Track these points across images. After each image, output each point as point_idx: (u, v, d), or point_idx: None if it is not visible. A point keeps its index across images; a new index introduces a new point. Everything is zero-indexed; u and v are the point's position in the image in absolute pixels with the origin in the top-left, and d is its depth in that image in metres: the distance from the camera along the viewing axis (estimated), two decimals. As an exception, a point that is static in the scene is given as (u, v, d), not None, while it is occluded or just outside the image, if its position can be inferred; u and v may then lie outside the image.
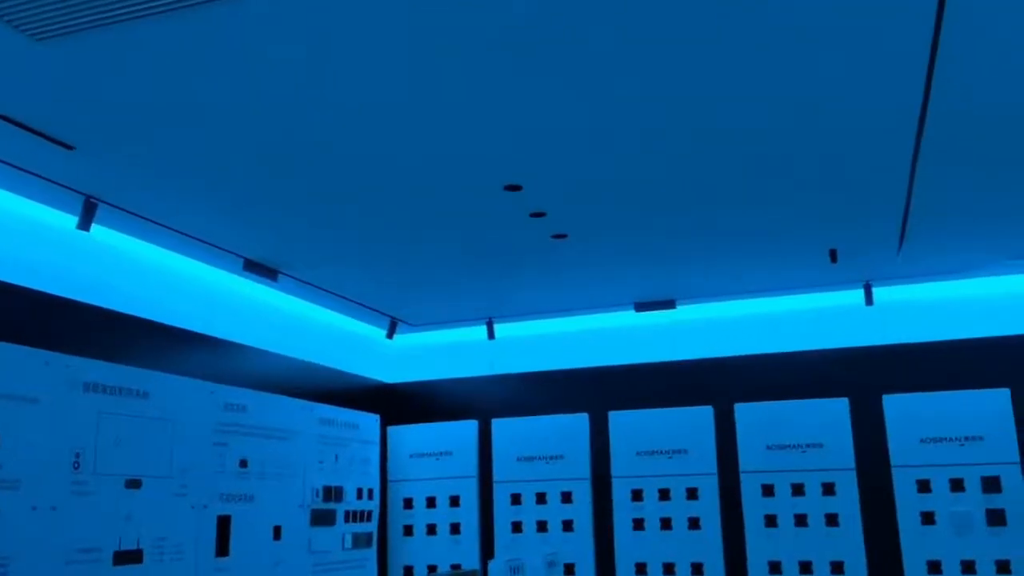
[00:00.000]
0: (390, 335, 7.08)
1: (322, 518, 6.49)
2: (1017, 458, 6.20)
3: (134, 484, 4.76)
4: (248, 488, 5.68)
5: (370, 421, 7.40)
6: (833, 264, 5.66)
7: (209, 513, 5.32)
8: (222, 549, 5.39)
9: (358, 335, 7.62)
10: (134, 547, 4.73)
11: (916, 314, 6.69)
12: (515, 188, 4.54)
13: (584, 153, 4.17)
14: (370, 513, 7.20)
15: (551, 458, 7.32)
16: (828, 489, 6.57)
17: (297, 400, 6.35)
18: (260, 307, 6.49)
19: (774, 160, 4.29)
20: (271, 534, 5.90)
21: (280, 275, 5.81)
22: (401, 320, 7.24)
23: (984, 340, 6.50)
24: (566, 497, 7.20)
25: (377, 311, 6.99)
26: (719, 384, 7.09)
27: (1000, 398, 6.32)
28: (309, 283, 6.12)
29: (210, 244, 5.28)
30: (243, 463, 5.63)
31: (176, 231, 5.04)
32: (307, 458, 6.37)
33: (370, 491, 7.25)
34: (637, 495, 7.01)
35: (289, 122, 3.77)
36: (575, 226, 5.20)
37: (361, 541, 7.06)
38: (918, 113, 3.78)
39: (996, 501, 6.19)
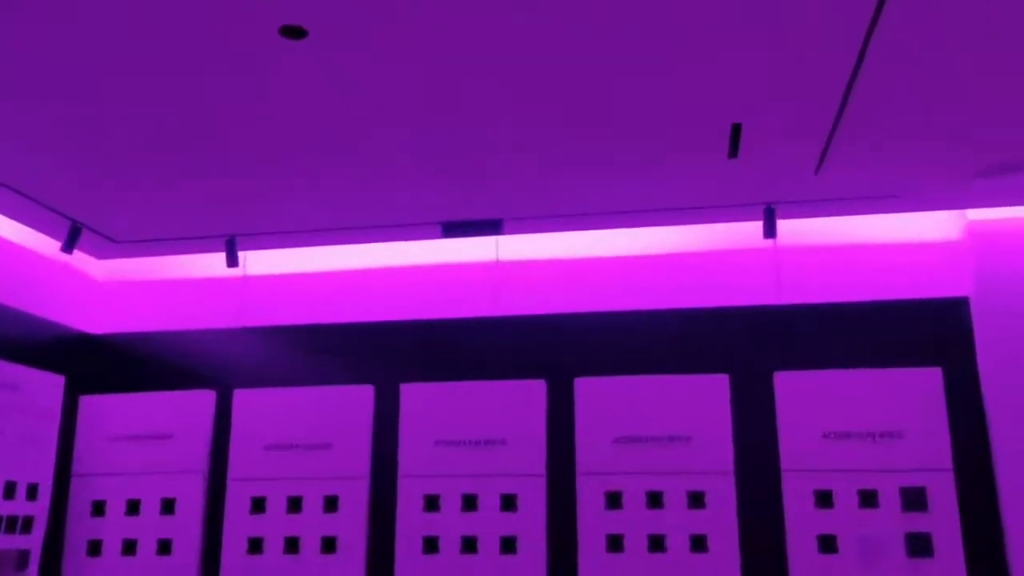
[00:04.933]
0: (68, 248, 4.66)
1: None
2: (950, 463, 4.53)
3: None
4: None
5: (46, 384, 4.98)
6: (731, 161, 3.75)
7: None
8: None
9: (38, 255, 5.13)
10: None
11: (826, 262, 4.94)
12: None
13: None
14: (29, 521, 4.79)
15: (315, 447, 5.11)
16: (696, 500, 4.70)
17: None
18: None
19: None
20: None
21: None
22: (93, 229, 4.81)
23: (913, 303, 4.81)
24: (330, 504, 4.99)
25: (52, 209, 4.55)
26: (555, 351, 5.10)
27: (929, 380, 4.66)
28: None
29: None
30: None
31: None
32: None
33: (32, 487, 4.84)
34: (432, 503, 4.90)
35: None
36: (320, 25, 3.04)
37: (7, 563, 4.63)
38: None
39: (920, 523, 4.49)
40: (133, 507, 5.15)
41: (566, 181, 4.27)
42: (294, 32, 2.87)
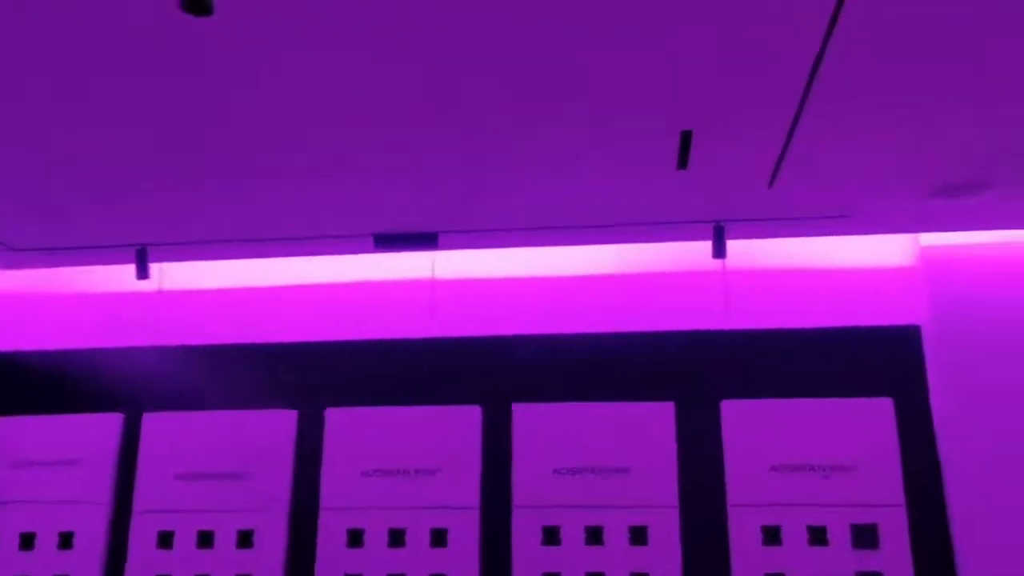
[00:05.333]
0: (-45, 257, 4.26)
1: None
2: (902, 499, 4.34)
3: None
4: None
5: (-73, 406, 4.54)
6: (680, 172, 3.51)
7: None
8: None
9: (-73, 266, 4.69)
10: None
11: (776, 286, 4.74)
12: None
13: None
14: (-97, 559, 4.32)
15: (231, 476, 4.73)
16: (638, 536, 4.43)
17: None
18: None
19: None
20: None
21: None
22: (-15, 237, 4.41)
23: (864, 330, 4.63)
24: (245, 539, 4.61)
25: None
26: (492, 375, 4.81)
27: (880, 411, 4.47)
28: None
29: None
30: None
31: None
32: None
33: (-91, 522, 4.37)
34: (356, 538, 4.55)
35: None
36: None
37: None
38: None
39: (871, 561, 4.29)
40: (27, 541, 4.69)
41: (506, 193, 3.99)
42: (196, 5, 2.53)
